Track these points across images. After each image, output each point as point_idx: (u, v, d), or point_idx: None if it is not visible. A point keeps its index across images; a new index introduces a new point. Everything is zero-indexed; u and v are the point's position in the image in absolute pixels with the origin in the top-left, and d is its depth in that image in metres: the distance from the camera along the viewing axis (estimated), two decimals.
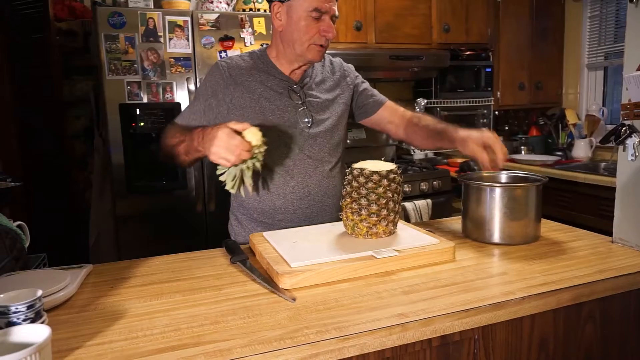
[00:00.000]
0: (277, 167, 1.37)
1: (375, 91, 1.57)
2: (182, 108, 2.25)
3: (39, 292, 0.79)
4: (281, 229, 1.34)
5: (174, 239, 2.28)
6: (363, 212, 1.15)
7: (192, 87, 2.24)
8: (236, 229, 1.47)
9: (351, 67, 1.56)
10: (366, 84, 1.56)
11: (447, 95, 3.18)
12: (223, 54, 2.29)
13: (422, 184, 2.79)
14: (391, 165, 1.18)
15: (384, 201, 1.14)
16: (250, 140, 1.11)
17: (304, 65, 1.40)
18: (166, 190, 2.29)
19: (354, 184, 1.16)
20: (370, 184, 1.14)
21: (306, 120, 1.39)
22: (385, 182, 1.14)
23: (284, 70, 1.40)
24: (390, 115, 1.54)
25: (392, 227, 1.19)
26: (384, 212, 1.15)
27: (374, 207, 1.14)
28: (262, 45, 2.34)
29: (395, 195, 1.16)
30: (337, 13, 1.33)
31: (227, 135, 1.10)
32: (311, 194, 1.38)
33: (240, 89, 1.36)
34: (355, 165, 1.18)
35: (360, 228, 1.16)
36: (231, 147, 1.09)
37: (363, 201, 1.14)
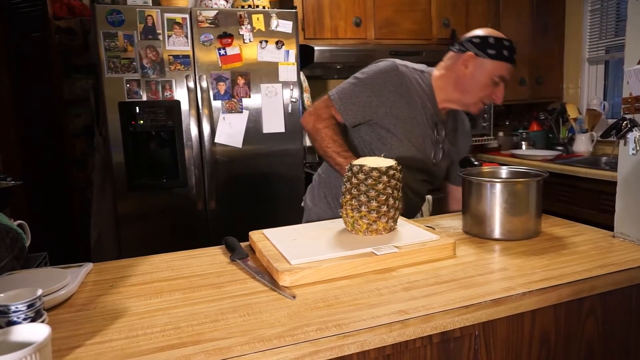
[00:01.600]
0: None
1: (457, 164, 1.66)
2: (182, 106, 2.24)
3: (39, 291, 0.79)
4: None
5: (175, 237, 2.28)
6: (363, 208, 1.14)
7: (191, 84, 2.24)
8: (317, 205, 1.59)
9: (469, 127, 1.68)
10: (466, 151, 1.67)
11: None
12: (222, 51, 2.28)
13: None
14: (391, 162, 1.18)
15: (384, 197, 1.14)
16: None
17: (455, 110, 1.53)
18: (167, 188, 2.29)
19: (354, 180, 1.16)
20: (369, 181, 1.14)
21: (437, 156, 1.52)
22: (384, 178, 1.14)
23: (438, 102, 1.48)
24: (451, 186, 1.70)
25: (392, 224, 1.18)
26: (384, 208, 1.14)
27: (374, 204, 1.14)
28: (261, 42, 2.34)
29: (395, 191, 1.16)
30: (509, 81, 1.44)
31: None
32: (408, 196, 1.49)
33: (405, 101, 1.43)
34: (355, 162, 1.18)
35: (360, 225, 1.16)
36: None
37: (363, 198, 1.14)
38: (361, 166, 1.16)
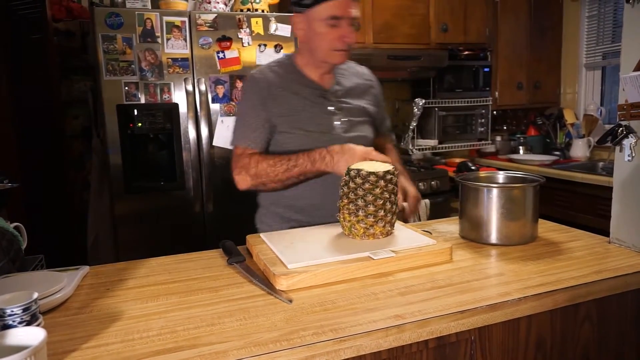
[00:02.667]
0: None
1: (386, 117, 1.65)
2: (180, 109, 2.25)
3: (35, 295, 0.78)
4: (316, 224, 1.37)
5: (172, 240, 2.27)
6: (360, 213, 1.15)
7: (189, 87, 2.24)
8: (267, 223, 1.50)
9: (377, 80, 1.60)
10: (382, 105, 1.61)
11: (445, 95, 3.18)
12: (221, 54, 2.29)
13: (420, 184, 2.79)
14: (388, 166, 1.18)
15: (381, 202, 1.14)
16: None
17: (331, 69, 1.44)
18: (164, 190, 2.29)
19: (351, 185, 1.16)
20: (367, 185, 1.14)
21: (341, 125, 1.43)
22: (382, 183, 1.14)
23: (314, 77, 1.44)
24: (381, 145, 1.58)
25: (389, 228, 1.19)
26: (381, 213, 1.15)
27: (371, 208, 1.14)
28: (260, 46, 2.34)
29: (392, 196, 1.16)
30: (356, 15, 1.35)
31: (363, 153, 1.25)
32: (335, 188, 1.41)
33: (278, 101, 1.40)
34: (353, 166, 1.18)
35: (357, 229, 1.16)
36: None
37: (360, 202, 1.14)
38: (358, 170, 1.16)
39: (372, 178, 1.14)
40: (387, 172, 1.16)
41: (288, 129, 1.39)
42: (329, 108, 1.43)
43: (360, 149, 1.26)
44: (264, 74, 1.44)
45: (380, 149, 1.52)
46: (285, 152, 1.39)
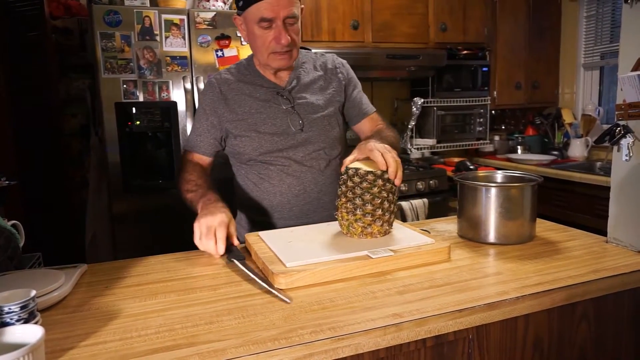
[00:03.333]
0: (273, 167, 1.39)
1: (365, 98, 1.54)
2: (179, 107, 2.25)
3: (33, 292, 0.78)
4: (279, 227, 1.36)
5: (171, 238, 2.27)
6: (358, 211, 1.15)
7: (188, 85, 2.24)
8: (240, 226, 1.48)
9: (345, 63, 1.53)
10: (357, 88, 1.52)
11: (444, 94, 3.18)
12: (219, 53, 2.28)
13: (418, 183, 2.79)
14: None
15: (379, 201, 1.14)
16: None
17: (278, 71, 1.40)
18: (162, 189, 2.28)
19: (349, 183, 1.16)
20: (364, 184, 1.14)
21: (297, 123, 1.38)
22: (380, 182, 1.14)
23: (269, 77, 1.41)
24: (370, 128, 1.51)
25: (388, 227, 1.19)
26: (379, 212, 1.15)
27: (369, 207, 1.14)
28: None
29: (390, 195, 1.16)
30: (292, 13, 1.27)
31: (206, 229, 1.16)
32: (307, 191, 1.40)
33: (231, 104, 1.39)
34: (351, 165, 1.18)
35: (355, 228, 1.16)
36: (201, 242, 1.17)
37: (358, 201, 1.14)
38: (356, 169, 1.16)
39: (369, 177, 1.14)
40: (385, 171, 1.15)
41: (242, 132, 1.37)
42: (285, 107, 1.39)
43: (204, 223, 1.17)
44: (219, 78, 1.43)
45: (366, 134, 1.49)
46: (243, 156, 1.40)
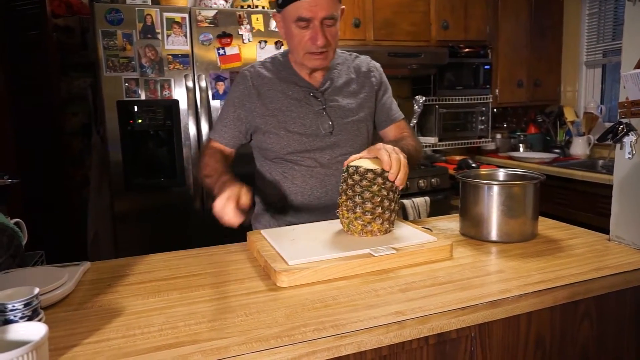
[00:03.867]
0: (299, 167, 1.39)
1: (394, 104, 1.54)
2: (180, 105, 2.25)
3: (36, 290, 0.79)
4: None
5: (173, 236, 2.28)
6: (358, 209, 1.15)
7: (190, 84, 2.24)
8: (262, 223, 1.49)
9: (378, 67, 1.52)
10: (388, 94, 1.53)
11: (445, 92, 3.18)
12: (221, 51, 2.28)
13: (420, 181, 2.79)
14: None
15: (379, 199, 1.14)
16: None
17: (314, 71, 1.39)
18: (164, 187, 2.29)
19: (349, 181, 1.16)
20: (364, 182, 1.14)
21: (327, 126, 1.38)
22: (379, 180, 1.14)
23: (304, 75, 1.40)
24: (395, 135, 1.51)
25: (388, 226, 1.19)
26: (379, 210, 1.15)
27: (369, 205, 1.14)
28: (260, 42, 2.34)
29: (390, 193, 1.16)
30: (330, 14, 1.25)
31: (225, 200, 1.13)
32: (329, 194, 1.40)
33: (263, 98, 1.38)
34: (353, 163, 1.18)
35: (355, 226, 1.16)
36: (221, 212, 1.13)
37: (358, 199, 1.14)
38: (357, 167, 1.16)
39: (369, 175, 1.14)
40: (387, 170, 1.15)
41: (271, 129, 1.37)
42: (316, 109, 1.38)
43: (225, 196, 1.14)
44: (253, 71, 1.42)
45: (390, 139, 1.48)
46: (269, 152, 1.39)
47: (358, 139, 1.44)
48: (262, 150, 1.43)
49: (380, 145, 1.18)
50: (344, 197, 1.17)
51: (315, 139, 1.38)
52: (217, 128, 1.45)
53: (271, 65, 1.44)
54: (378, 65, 1.53)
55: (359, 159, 1.19)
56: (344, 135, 1.40)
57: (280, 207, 1.43)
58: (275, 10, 1.34)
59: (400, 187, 1.17)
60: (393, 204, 1.18)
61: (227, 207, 1.12)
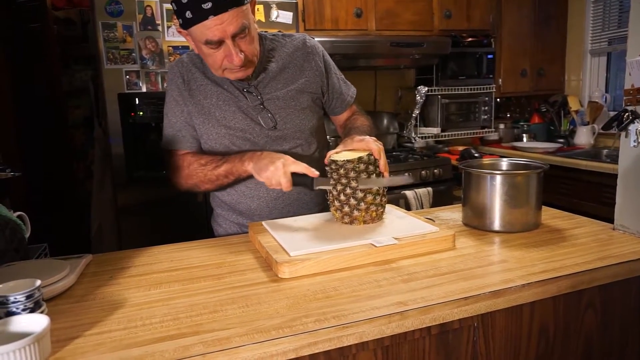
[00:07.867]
0: None
1: (344, 86, 1.43)
2: None
3: (38, 282, 0.79)
4: None
5: (175, 229, 2.27)
6: (341, 198, 1.17)
7: None
8: (217, 224, 1.44)
9: (317, 45, 1.38)
10: (336, 75, 1.41)
11: (448, 82, 3.15)
12: None
13: (422, 172, 2.78)
14: (361, 153, 1.17)
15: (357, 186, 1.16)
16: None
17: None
18: (166, 179, 2.28)
19: (334, 175, 1.18)
20: (341, 171, 1.16)
21: (269, 120, 1.28)
22: (362, 166, 1.15)
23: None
24: (347, 116, 1.45)
25: (374, 212, 1.19)
26: (369, 197, 1.16)
27: (348, 192, 1.16)
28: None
29: (374, 175, 1.18)
30: (240, 28, 1.11)
31: (283, 166, 1.13)
32: (285, 193, 1.26)
33: (195, 95, 1.27)
34: (333, 157, 1.18)
35: (341, 214, 1.19)
36: (281, 179, 1.13)
37: (339, 187, 1.17)
38: (334, 160, 1.17)
39: (348, 165, 1.15)
40: (360, 159, 1.15)
41: (210, 128, 1.27)
42: (254, 104, 1.27)
43: (281, 160, 1.13)
44: (186, 60, 1.29)
45: (343, 124, 1.44)
46: (213, 152, 1.28)
47: (305, 128, 1.33)
48: (208, 151, 1.32)
49: (358, 137, 1.20)
50: (335, 192, 1.19)
51: (259, 135, 1.28)
52: (172, 135, 1.30)
53: (197, 57, 1.29)
54: (316, 42, 1.38)
55: (339, 152, 1.20)
56: (289, 126, 1.30)
57: (239, 212, 1.36)
58: (179, 25, 1.15)
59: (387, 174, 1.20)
60: (376, 191, 1.19)
61: (286, 172, 1.12)
